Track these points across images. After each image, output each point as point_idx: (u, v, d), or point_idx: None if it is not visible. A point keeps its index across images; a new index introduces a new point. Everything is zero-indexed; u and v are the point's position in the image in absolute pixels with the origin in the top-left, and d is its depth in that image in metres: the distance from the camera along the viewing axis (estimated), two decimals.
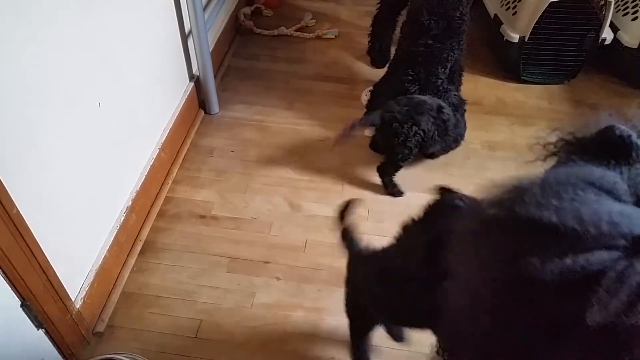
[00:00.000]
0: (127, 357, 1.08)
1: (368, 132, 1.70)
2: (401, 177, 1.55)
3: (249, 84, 1.91)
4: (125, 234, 1.30)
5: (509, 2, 1.94)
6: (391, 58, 1.80)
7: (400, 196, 1.53)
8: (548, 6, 1.73)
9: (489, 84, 1.96)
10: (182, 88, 1.65)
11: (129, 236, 1.33)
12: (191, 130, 1.69)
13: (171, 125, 1.55)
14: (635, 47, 1.85)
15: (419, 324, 0.89)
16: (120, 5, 1.20)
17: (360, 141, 1.69)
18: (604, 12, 1.77)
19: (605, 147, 0.45)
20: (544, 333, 0.38)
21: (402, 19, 1.77)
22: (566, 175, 0.41)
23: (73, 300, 1.09)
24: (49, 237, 0.98)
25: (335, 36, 2.16)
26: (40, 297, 0.97)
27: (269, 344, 1.18)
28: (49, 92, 0.96)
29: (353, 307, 1.04)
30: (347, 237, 1.03)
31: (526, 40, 1.84)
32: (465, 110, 1.66)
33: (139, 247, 1.35)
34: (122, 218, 1.28)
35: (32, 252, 0.93)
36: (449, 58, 1.57)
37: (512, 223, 0.40)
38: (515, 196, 0.41)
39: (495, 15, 2.01)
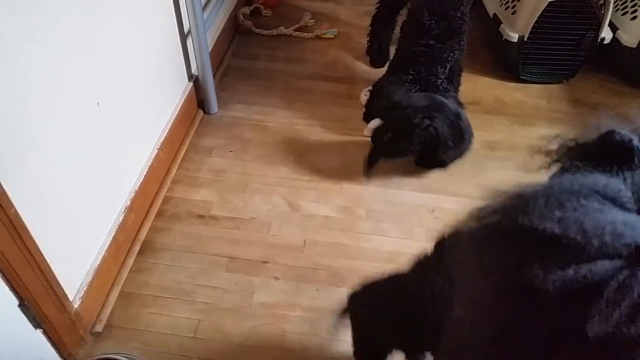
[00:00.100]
0: (126, 357, 1.08)
1: (367, 132, 1.70)
2: (401, 177, 1.55)
3: (248, 83, 1.91)
4: (124, 233, 1.30)
5: (508, 2, 1.94)
6: (390, 58, 1.80)
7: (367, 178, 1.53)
8: (547, 5, 1.73)
9: (488, 83, 1.96)
10: (181, 88, 1.65)
11: (128, 236, 1.33)
12: (190, 130, 1.69)
13: (170, 125, 1.55)
14: (634, 46, 1.85)
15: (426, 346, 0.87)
16: (120, 5, 1.20)
17: (359, 141, 1.69)
18: (603, 12, 1.77)
19: (607, 153, 0.45)
20: (545, 342, 0.38)
21: (401, 18, 1.78)
22: (570, 183, 0.41)
23: (71, 300, 1.09)
24: (47, 236, 0.98)
25: (335, 36, 2.16)
26: (38, 297, 0.97)
27: (267, 344, 1.18)
28: (49, 92, 0.96)
29: (364, 348, 1.02)
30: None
31: (525, 39, 1.84)
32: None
33: (137, 247, 1.35)
34: (121, 218, 1.28)
35: (30, 252, 0.93)
36: (449, 58, 1.57)
37: (515, 232, 0.40)
38: (518, 205, 0.41)
39: (495, 14, 2.01)
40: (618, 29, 1.89)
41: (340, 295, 1.26)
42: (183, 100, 1.63)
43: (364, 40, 2.04)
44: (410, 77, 1.56)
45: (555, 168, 0.53)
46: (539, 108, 1.85)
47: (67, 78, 1.02)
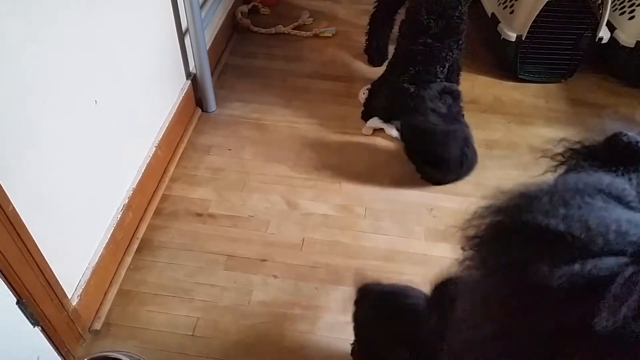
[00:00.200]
0: (124, 355, 1.08)
1: (365, 130, 1.70)
2: (400, 177, 1.55)
3: (246, 82, 1.91)
4: (122, 231, 1.30)
5: (506, 1, 1.94)
6: (389, 56, 1.80)
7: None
8: (545, 5, 1.73)
9: (486, 82, 1.96)
10: (179, 86, 1.65)
11: (126, 234, 1.33)
12: (188, 128, 1.69)
13: (168, 123, 1.54)
14: (632, 46, 1.85)
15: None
16: (120, 5, 1.20)
17: (357, 140, 1.69)
18: (600, 11, 1.77)
19: (613, 155, 0.45)
20: (552, 340, 0.38)
21: (399, 17, 1.78)
22: (574, 181, 0.41)
23: (69, 297, 1.09)
24: (45, 234, 0.98)
25: (333, 34, 2.16)
26: (36, 295, 0.96)
27: (265, 342, 1.18)
28: (48, 92, 0.96)
29: (364, 348, 1.02)
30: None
31: (523, 39, 1.84)
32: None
33: (135, 245, 1.35)
34: (119, 216, 1.28)
35: (28, 250, 0.92)
36: (448, 57, 1.57)
37: (519, 230, 0.40)
38: (522, 203, 0.41)
39: (493, 14, 2.01)
40: (616, 28, 1.89)
41: (338, 293, 1.26)
42: (181, 98, 1.63)
43: (362, 39, 2.04)
44: (408, 76, 1.57)
45: (561, 171, 0.53)
46: (536, 107, 1.86)
47: (66, 78, 1.02)
